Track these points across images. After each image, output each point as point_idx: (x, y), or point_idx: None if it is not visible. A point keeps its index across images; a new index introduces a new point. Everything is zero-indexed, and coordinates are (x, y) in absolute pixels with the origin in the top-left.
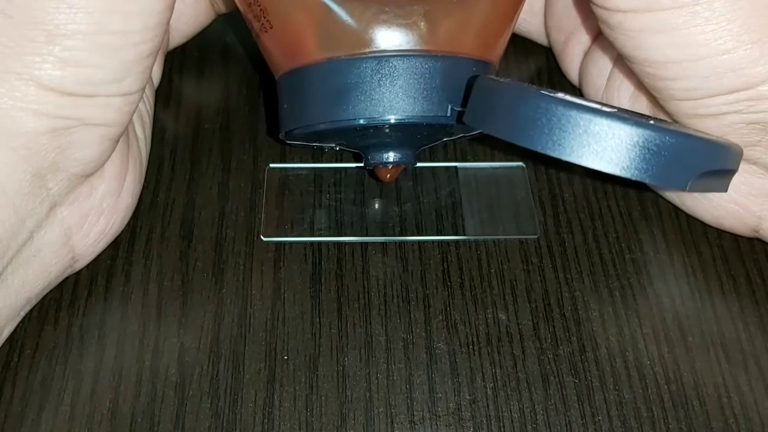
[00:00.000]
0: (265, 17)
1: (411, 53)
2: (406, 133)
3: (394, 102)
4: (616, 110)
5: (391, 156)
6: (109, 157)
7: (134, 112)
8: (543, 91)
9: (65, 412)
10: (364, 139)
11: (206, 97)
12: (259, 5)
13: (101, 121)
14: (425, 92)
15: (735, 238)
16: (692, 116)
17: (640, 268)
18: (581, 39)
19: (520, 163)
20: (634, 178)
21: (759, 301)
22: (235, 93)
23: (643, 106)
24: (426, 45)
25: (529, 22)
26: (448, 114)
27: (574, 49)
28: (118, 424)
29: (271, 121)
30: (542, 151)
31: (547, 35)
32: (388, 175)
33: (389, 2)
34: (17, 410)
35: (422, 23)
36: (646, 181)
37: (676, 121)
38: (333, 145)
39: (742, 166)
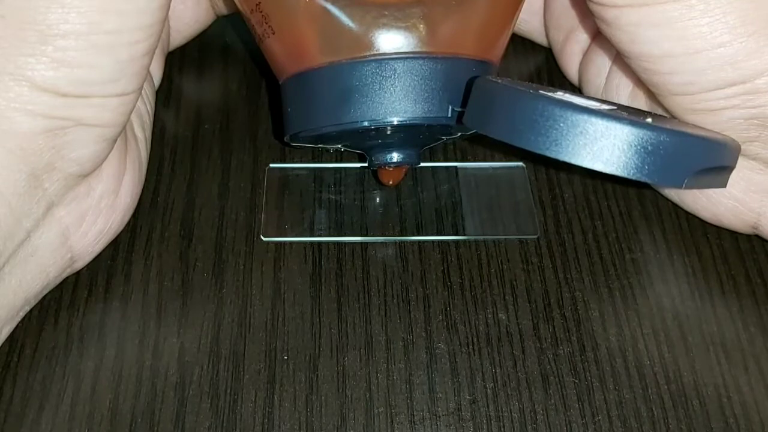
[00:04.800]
0: (267, 23)
1: (411, 55)
2: (409, 134)
3: (395, 104)
4: (615, 108)
5: (394, 156)
6: (106, 157)
7: (131, 113)
8: (541, 91)
9: (65, 412)
10: (367, 141)
11: (206, 97)
12: (261, 11)
13: (97, 122)
14: (426, 93)
15: (735, 237)
16: (690, 112)
17: (640, 268)
18: (580, 38)
19: (520, 163)
20: (630, 177)
21: (759, 301)
22: (235, 93)
23: (641, 103)
24: (426, 47)
25: (528, 21)
26: (449, 115)
27: (572, 48)
28: (118, 424)
29: (276, 124)
30: (540, 152)
31: (546, 35)
32: (391, 181)
33: (388, 5)
34: (17, 410)
35: (421, 25)
36: (643, 180)
37: (674, 118)
38: (338, 146)
39: (741, 162)
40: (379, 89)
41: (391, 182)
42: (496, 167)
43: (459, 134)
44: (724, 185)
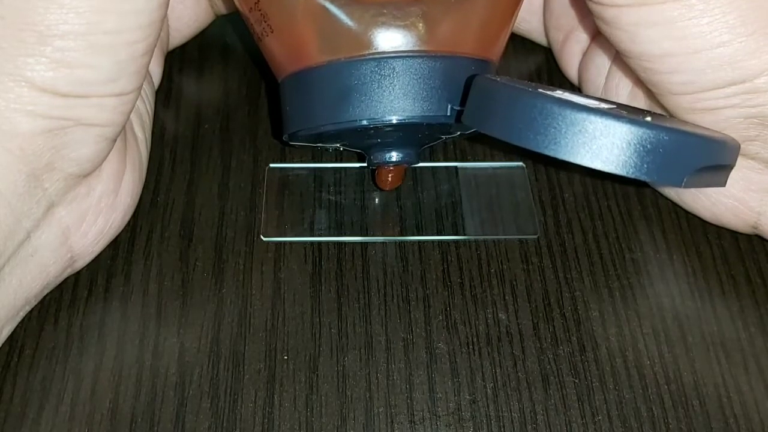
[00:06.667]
0: (265, 21)
1: (410, 54)
2: (408, 133)
3: (394, 102)
4: (614, 107)
5: (393, 155)
6: (106, 156)
7: (131, 112)
8: (540, 89)
9: (65, 412)
10: (366, 140)
11: (206, 97)
12: (259, 10)
13: (96, 122)
14: (425, 92)
15: (735, 237)
16: (689, 111)
17: (640, 268)
18: (580, 38)
19: (520, 163)
20: (629, 176)
21: (759, 301)
22: (235, 93)
23: (641, 103)
24: (425, 45)
25: (528, 21)
26: (448, 114)
27: (572, 47)
28: (118, 424)
29: (274, 123)
30: (538, 151)
31: (546, 34)
32: (388, 187)
33: (387, 4)
34: (17, 410)
35: (420, 24)
36: (642, 178)
37: (673, 117)
38: (337, 145)
39: (741, 162)
40: (378, 88)
41: (389, 182)
42: (496, 167)
43: (458, 133)
44: (724, 184)
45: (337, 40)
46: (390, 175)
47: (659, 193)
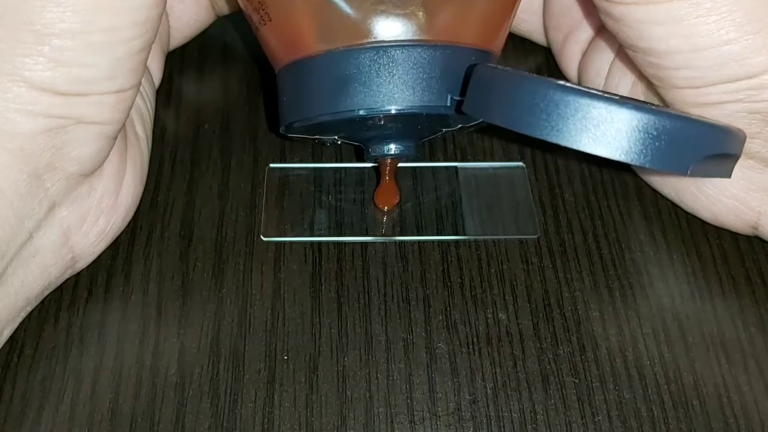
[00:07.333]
0: (263, 10)
1: (409, 43)
2: (407, 124)
3: (393, 92)
4: (617, 97)
5: (392, 148)
6: (107, 155)
7: (130, 109)
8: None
9: (65, 412)
10: (364, 131)
11: (206, 97)
12: None
13: (96, 120)
14: (424, 82)
15: (735, 238)
16: (693, 105)
17: (640, 268)
18: (579, 38)
19: (520, 163)
20: (633, 163)
21: (759, 301)
22: (235, 93)
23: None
24: (424, 35)
25: (528, 21)
26: (448, 104)
27: (572, 47)
28: (118, 424)
29: (271, 116)
30: (541, 138)
31: (546, 35)
32: (386, 207)
33: None
34: (17, 410)
35: (420, 13)
36: (647, 166)
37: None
38: (334, 138)
39: (741, 161)
40: (377, 77)
41: (386, 208)
42: (496, 167)
43: (459, 126)
44: (729, 175)
45: (336, 28)
46: (385, 200)
47: (659, 193)
